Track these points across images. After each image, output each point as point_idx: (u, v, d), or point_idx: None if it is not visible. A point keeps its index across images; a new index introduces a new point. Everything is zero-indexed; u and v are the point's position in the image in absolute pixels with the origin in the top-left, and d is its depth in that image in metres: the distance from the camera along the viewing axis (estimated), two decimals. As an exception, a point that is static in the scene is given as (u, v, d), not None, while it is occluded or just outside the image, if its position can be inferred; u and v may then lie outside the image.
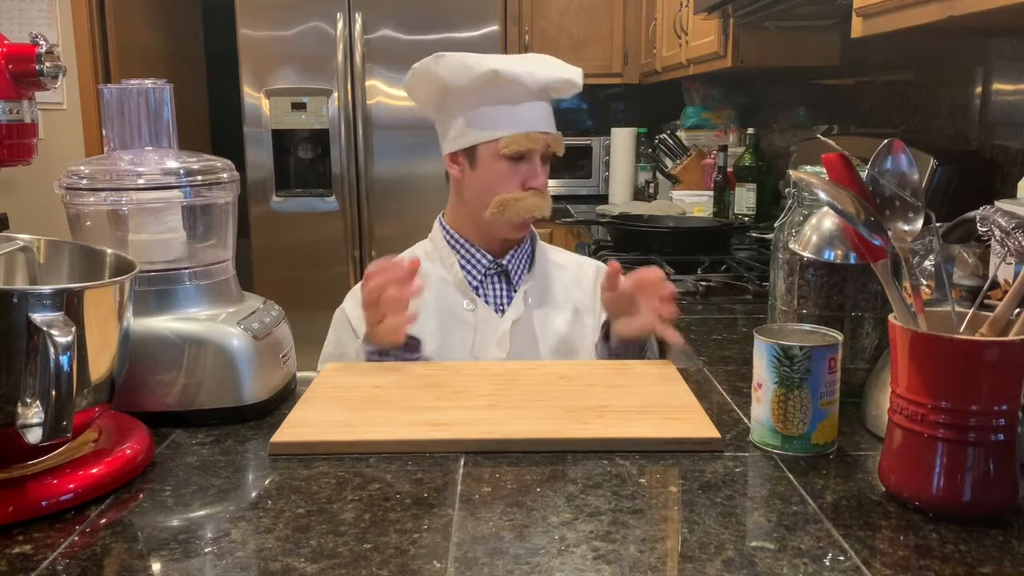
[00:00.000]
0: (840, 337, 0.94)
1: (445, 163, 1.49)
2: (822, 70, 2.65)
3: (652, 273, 1.24)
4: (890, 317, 0.82)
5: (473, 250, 1.46)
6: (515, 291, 1.46)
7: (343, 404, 1.07)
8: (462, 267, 1.46)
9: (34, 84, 0.98)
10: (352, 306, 1.44)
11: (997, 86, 1.78)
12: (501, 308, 1.45)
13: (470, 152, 1.43)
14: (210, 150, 1.37)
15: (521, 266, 1.48)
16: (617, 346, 1.31)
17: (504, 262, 1.46)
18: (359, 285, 1.49)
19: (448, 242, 1.48)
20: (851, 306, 1.06)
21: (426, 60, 1.42)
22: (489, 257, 1.46)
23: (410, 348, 1.27)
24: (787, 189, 1.20)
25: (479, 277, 1.46)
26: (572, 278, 1.51)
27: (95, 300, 0.83)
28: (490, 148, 1.41)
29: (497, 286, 1.47)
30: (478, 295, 1.45)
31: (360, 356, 1.32)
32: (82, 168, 1.05)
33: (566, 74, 1.43)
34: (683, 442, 0.94)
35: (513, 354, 1.41)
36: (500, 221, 1.42)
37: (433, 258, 1.48)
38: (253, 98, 3.45)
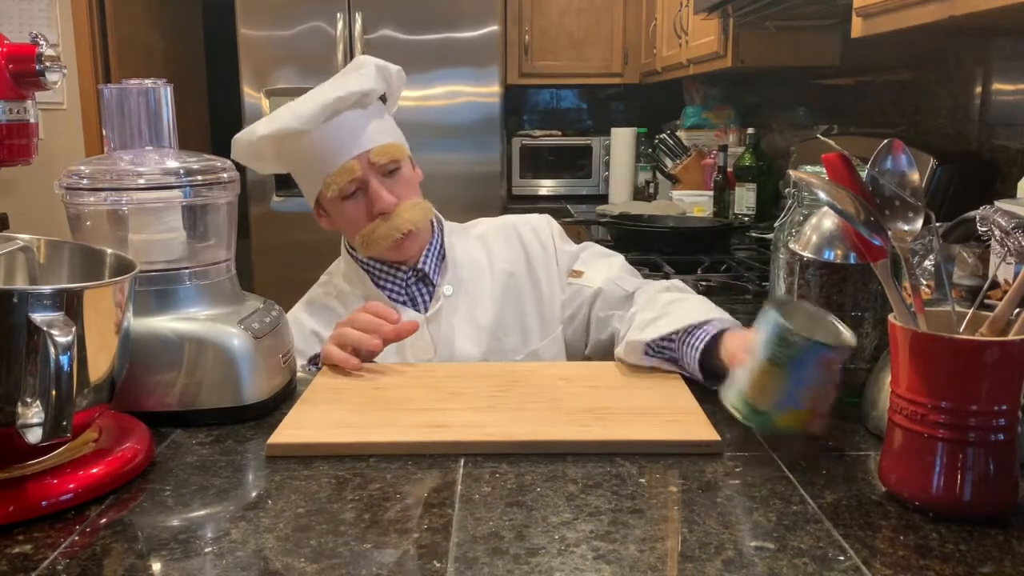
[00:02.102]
0: (851, 342, 0.90)
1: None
2: (822, 70, 2.65)
3: None
4: (890, 317, 0.82)
5: (386, 267, 1.41)
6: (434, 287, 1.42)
7: (342, 405, 1.07)
8: (380, 286, 1.41)
9: (34, 84, 0.98)
10: (302, 311, 1.43)
11: (997, 86, 1.78)
12: (427, 310, 1.41)
13: (318, 205, 1.41)
14: (210, 150, 1.37)
15: (434, 263, 1.43)
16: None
17: (419, 266, 1.41)
18: (310, 293, 1.48)
19: (360, 266, 1.43)
20: (851, 306, 1.06)
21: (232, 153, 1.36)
22: (404, 268, 1.41)
23: None
24: (787, 189, 1.20)
25: (401, 289, 1.41)
26: (486, 251, 1.45)
27: (95, 300, 0.83)
28: (326, 196, 1.35)
29: (420, 289, 1.42)
30: (406, 304, 1.41)
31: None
32: (82, 168, 1.05)
33: (339, 91, 1.32)
34: (682, 445, 0.94)
35: (440, 348, 1.37)
36: (376, 253, 1.38)
37: (351, 279, 1.45)
38: (253, 98, 3.45)
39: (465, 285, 1.42)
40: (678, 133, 3.52)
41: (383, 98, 1.41)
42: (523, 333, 1.41)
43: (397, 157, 1.36)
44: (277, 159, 1.37)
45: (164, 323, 1.01)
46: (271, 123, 1.32)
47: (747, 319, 1.65)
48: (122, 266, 0.96)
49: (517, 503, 0.82)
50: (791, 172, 0.99)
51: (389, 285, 1.42)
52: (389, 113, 1.43)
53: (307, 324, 1.41)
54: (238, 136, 1.36)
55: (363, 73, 1.36)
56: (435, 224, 1.46)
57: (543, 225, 1.49)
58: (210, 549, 0.74)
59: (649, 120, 4.03)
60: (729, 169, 2.97)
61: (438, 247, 1.44)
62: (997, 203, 0.97)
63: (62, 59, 0.99)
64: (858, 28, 1.54)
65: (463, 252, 1.46)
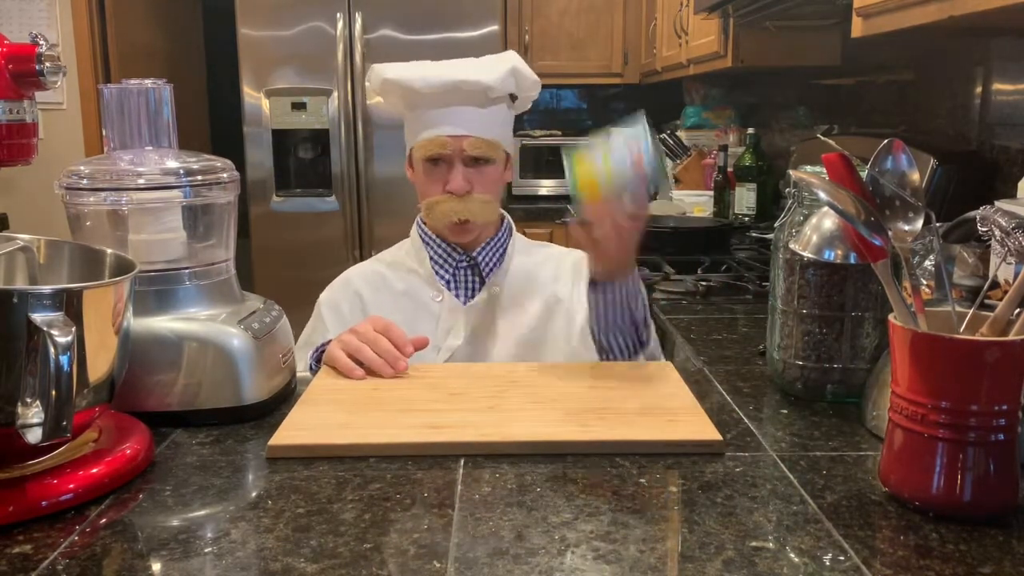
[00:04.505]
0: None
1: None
2: (822, 70, 2.65)
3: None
4: (890, 317, 0.82)
5: (445, 245, 1.49)
6: (484, 283, 1.49)
7: (341, 406, 1.06)
8: (433, 261, 1.49)
9: (34, 84, 0.98)
10: (327, 299, 1.50)
11: (997, 86, 1.78)
12: (470, 299, 1.48)
13: (410, 156, 1.49)
14: (210, 150, 1.37)
15: (492, 259, 1.50)
16: (597, 298, 1.30)
17: (474, 254, 1.48)
18: (338, 280, 1.53)
19: (422, 238, 1.51)
20: (851, 306, 1.06)
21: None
22: (460, 251, 1.48)
23: None
24: (787, 189, 1.20)
25: (450, 271, 1.48)
26: (551, 272, 1.52)
27: (95, 300, 0.83)
28: (415, 152, 1.45)
29: (469, 278, 1.49)
30: (449, 288, 1.48)
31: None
32: (82, 168, 1.05)
33: (467, 75, 1.40)
34: (684, 444, 0.94)
35: (471, 342, 1.43)
36: (431, 224, 1.47)
37: (411, 252, 1.52)
38: (253, 98, 3.45)
39: (513, 292, 1.49)
40: (678, 133, 3.52)
41: (513, 97, 1.49)
42: (553, 354, 1.46)
43: (489, 154, 1.44)
44: (393, 99, 1.48)
45: (164, 323, 1.01)
46: (403, 72, 1.42)
47: (747, 319, 1.66)
48: (122, 266, 0.96)
49: (517, 503, 0.82)
50: (791, 172, 0.99)
51: (442, 262, 1.49)
52: (515, 111, 1.51)
53: (353, 284, 1.51)
54: (375, 66, 1.47)
55: (496, 69, 1.43)
56: (503, 226, 1.53)
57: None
58: (210, 549, 0.74)
59: (649, 120, 4.03)
60: (729, 169, 2.97)
61: (500, 247, 1.51)
62: (997, 203, 0.97)
63: (62, 59, 0.99)
64: (858, 28, 1.53)
65: (523, 264, 1.52)
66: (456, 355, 1.42)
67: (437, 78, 1.40)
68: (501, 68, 1.43)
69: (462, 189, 1.41)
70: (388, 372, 1.17)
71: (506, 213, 1.55)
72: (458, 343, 1.42)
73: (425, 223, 1.52)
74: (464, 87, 1.40)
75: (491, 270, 1.49)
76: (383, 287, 1.49)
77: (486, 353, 1.44)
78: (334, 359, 1.20)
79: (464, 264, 1.49)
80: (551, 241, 1.64)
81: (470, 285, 1.49)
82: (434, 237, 1.49)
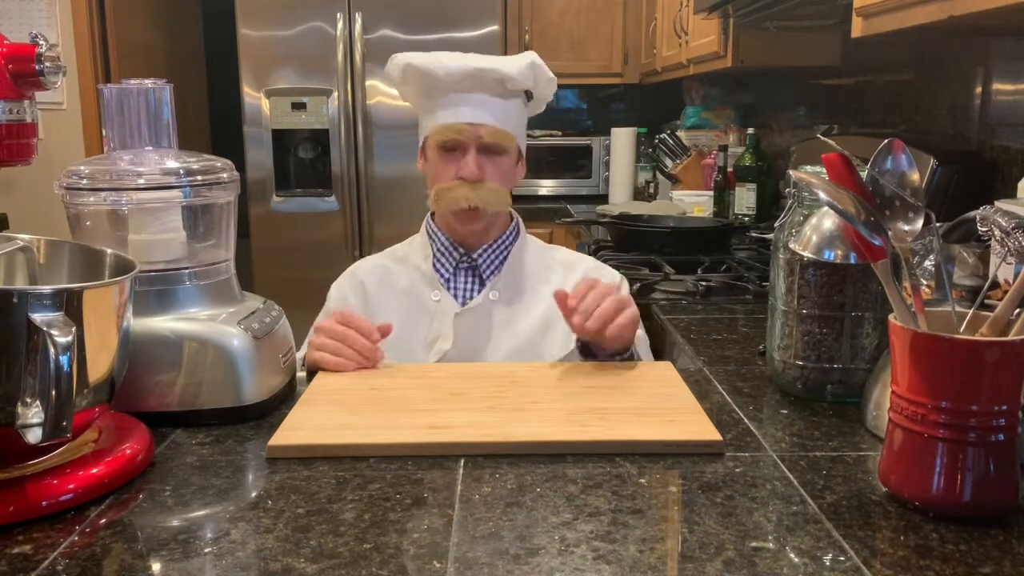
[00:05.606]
0: None
1: None
2: (822, 70, 2.65)
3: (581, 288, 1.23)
4: (890, 317, 0.82)
5: (448, 243, 1.49)
6: (484, 286, 1.48)
7: (341, 406, 1.06)
8: (435, 258, 1.49)
9: (34, 84, 0.98)
10: (337, 293, 1.51)
11: (997, 86, 1.78)
12: (467, 300, 1.47)
13: (424, 145, 1.49)
14: (210, 150, 1.37)
15: (493, 262, 1.49)
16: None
17: (475, 255, 1.48)
18: (347, 271, 1.54)
19: (428, 233, 1.51)
20: (851, 306, 1.06)
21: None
22: (461, 250, 1.48)
23: None
24: (787, 189, 1.20)
25: (450, 269, 1.48)
26: (559, 279, 1.49)
27: (95, 300, 0.83)
28: (430, 140, 1.45)
29: (468, 279, 1.48)
30: (448, 288, 1.47)
31: None
32: (82, 168, 1.05)
33: (487, 64, 1.41)
34: (684, 445, 0.94)
35: (461, 346, 1.41)
36: (440, 211, 1.46)
37: (417, 248, 1.52)
38: (253, 98, 3.45)
39: (513, 297, 1.47)
40: (678, 133, 3.52)
41: (530, 95, 1.50)
42: (542, 360, 1.44)
43: (503, 143, 1.44)
44: (414, 92, 1.48)
45: (164, 323, 1.01)
46: (423, 59, 1.42)
47: (747, 319, 1.66)
48: (122, 266, 0.96)
49: (517, 503, 0.82)
50: (791, 172, 0.99)
51: (443, 260, 1.49)
52: (530, 111, 1.52)
53: (359, 275, 1.52)
54: (397, 55, 1.48)
55: (516, 61, 1.44)
56: (512, 228, 1.51)
57: (616, 286, 1.50)
58: (210, 549, 0.74)
59: (649, 120, 4.03)
60: (729, 169, 2.97)
61: (502, 249, 1.50)
62: (997, 203, 0.97)
63: (62, 59, 0.99)
64: (858, 28, 1.53)
65: (529, 266, 1.50)
66: (446, 358, 1.41)
67: (457, 65, 1.41)
68: (521, 61, 1.44)
69: (474, 175, 1.41)
70: (370, 365, 1.21)
71: (517, 216, 1.53)
72: (447, 347, 1.41)
73: (433, 217, 1.52)
74: (483, 75, 1.41)
75: (491, 273, 1.48)
76: (386, 282, 1.49)
77: (477, 358, 1.42)
78: (321, 364, 1.22)
79: (464, 265, 1.48)
80: (551, 239, 1.64)
81: (469, 286, 1.48)
82: (439, 233, 1.49)
